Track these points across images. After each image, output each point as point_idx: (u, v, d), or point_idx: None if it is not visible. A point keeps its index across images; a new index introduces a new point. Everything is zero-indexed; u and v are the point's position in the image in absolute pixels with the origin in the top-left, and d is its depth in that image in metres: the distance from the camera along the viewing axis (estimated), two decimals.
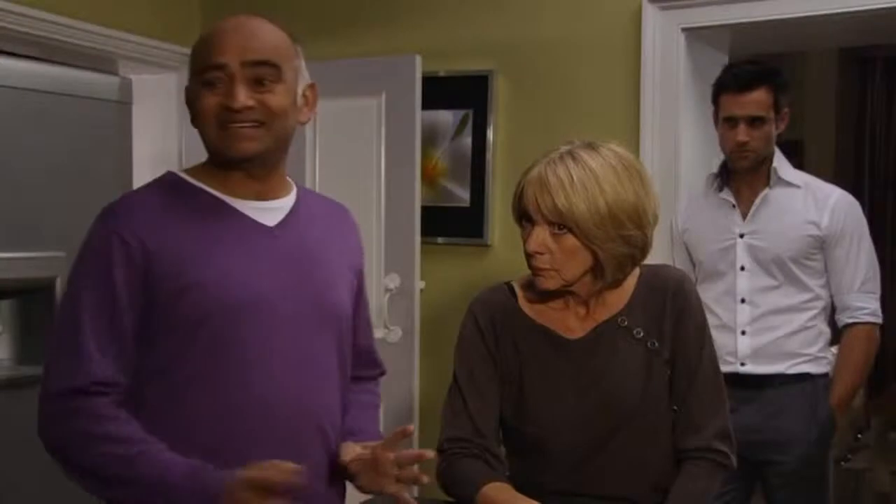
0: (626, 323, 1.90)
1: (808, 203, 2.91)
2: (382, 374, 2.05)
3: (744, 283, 2.93)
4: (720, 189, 3.00)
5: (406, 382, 3.56)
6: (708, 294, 2.95)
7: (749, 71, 2.89)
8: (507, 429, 1.97)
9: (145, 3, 3.87)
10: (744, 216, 2.96)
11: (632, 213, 1.82)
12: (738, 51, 3.64)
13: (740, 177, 2.97)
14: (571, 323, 1.92)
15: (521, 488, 1.89)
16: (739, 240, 2.94)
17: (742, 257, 2.93)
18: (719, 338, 2.89)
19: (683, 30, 3.36)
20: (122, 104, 3.15)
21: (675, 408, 1.90)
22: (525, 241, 1.87)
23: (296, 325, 1.74)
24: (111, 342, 1.66)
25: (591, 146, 1.85)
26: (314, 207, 1.86)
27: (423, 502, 1.98)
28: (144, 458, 1.62)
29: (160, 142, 3.91)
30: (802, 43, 4.76)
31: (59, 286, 2.84)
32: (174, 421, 1.68)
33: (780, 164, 2.96)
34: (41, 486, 2.70)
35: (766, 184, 2.95)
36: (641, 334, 1.89)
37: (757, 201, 2.94)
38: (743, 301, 2.93)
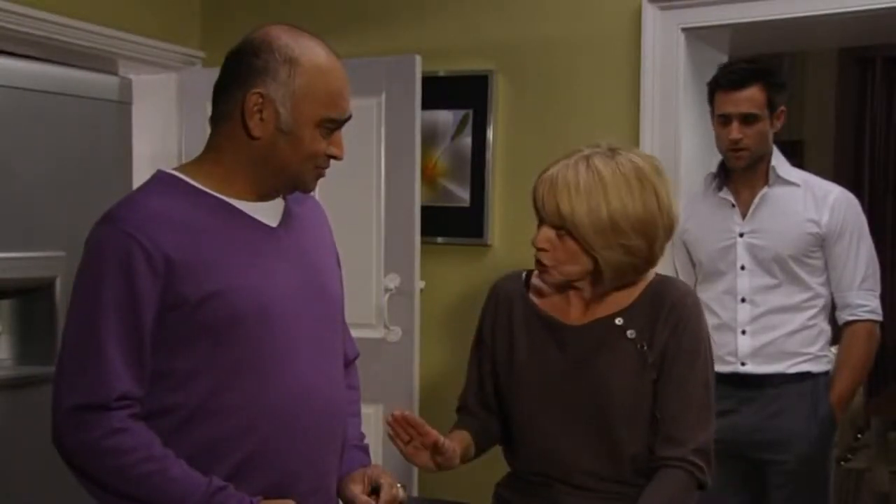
0: (621, 322, 1.95)
1: (808, 201, 2.92)
2: (357, 356, 2.08)
3: (744, 282, 2.93)
4: (719, 188, 3.01)
5: (406, 382, 3.56)
6: (708, 293, 2.95)
7: (742, 69, 2.92)
8: (502, 415, 2.07)
9: (145, 3, 3.87)
10: (743, 215, 2.96)
11: (637, 224, 1.87)
12: (737, 51, 3.64)
13: (739, 176, 2.97)
14: (572, 314, 2.00)
15: (514, 475, 2.05)
16: (739, 239, 2.95)
17: (742, 256, 2.94)
18: (720, 337, 2.90)
19: (683, 30, 3.36)
20: (122, 104, 3.14)
21: (658, 416, 1.93)
22: (533, 237, 1.95)
23: (312, 319, 1.80)
24: (134, 355, 1.66)
25: (611, 152, 1.91)
26: (296, 205, 1.89)
27: (423, 502, 2.00)
28: (165, 477, 1.64)
29: (160, 142, 3.91)
30: (802, 43, 4.76)
31: (59, 286, 2.84)
32: (210, 423, 1.70)
33: (779, 162, 2.97)
34: (41, 485, 2.71)
35: (765, 182, 2.95)
36: (634, 335, 1.94)
37: (756, 200, 2.95)
38: (743, 300, 2.93)
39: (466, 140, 3.70)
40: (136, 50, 3.75)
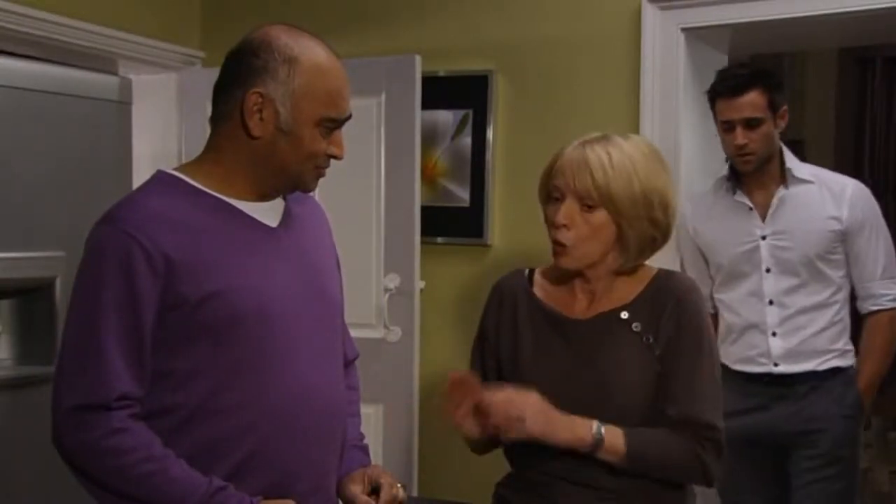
0: (626, 316, 1.96)
1: (826, 198, 2.95)
2: (357, 357, 2.08)
3: (770, 284, 2.96)
4: (733, 191, 3.01)
5: (406, 382, 3.56)
6: (731, 295, 2.99)
7: (740, 75, 2.94)
8: None
9: (145, 3, 3.87)
10: (762, 217, 2.97)
11: (661, 198, 1.93)
12: (738, 51, 3.63)
13: (751, 178, 2.99)
14: (576, 308, 2.01)
15: (514, 474, 2.05)
16: (762, 242, 2.96)
17: (767, 259, 2.95)
18: (748, 338, 2.96)
19: (683, 30, 3.36)
20: (122, 104, 3.14)
21: (666, 407, 1.92)
22: (551, 217, 1.95)
23: (312, 319, 1.81)
24: (134, 355, 1.67)
25: (619, 136, 1.96)
26: (296, 205, 1.89)
27: (423, 502, 2.00)
28: (165, 477, 1.64)
29: (160, 142, 3.91)
30: (802, 43, 4.75)
31: (59, 286, 2.84)
32: (210, 423, 1.70)
33: (792, 162, 2.99)
34: (41, 485, 2.71)
35: (779, 183, 2.97)
36: (639, 328, 1.95)
37: (774, 202, 2.96)
38: (771, 303, 2.95)
39: (466, 140, 3.70)
40: (136, 50, 3.75)
